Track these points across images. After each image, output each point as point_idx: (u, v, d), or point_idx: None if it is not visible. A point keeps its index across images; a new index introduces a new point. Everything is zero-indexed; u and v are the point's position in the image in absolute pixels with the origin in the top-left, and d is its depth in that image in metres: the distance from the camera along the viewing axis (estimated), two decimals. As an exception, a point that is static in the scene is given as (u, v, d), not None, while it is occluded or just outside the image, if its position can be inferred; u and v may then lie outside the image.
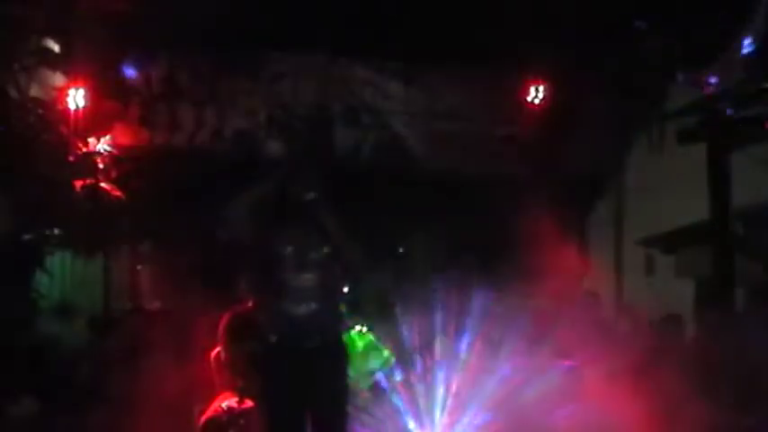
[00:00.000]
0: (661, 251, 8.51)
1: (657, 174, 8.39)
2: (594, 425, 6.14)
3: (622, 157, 9.03)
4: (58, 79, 6.97)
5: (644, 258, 8.69)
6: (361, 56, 8.64)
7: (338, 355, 4.91)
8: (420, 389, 7.03)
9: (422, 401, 6.99)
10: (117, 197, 6.83)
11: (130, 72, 8.09)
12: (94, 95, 7.51)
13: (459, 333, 7.36)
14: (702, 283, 7.90)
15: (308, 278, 4.80)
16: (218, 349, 6.99)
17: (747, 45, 6.60)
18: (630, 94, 8.31)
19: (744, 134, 7.36)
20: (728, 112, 7.31)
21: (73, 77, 7.16)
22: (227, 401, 6.69)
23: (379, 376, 6.67)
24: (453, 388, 6.99)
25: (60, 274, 7.71)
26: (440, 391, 6.99)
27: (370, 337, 6.75)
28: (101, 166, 6.85)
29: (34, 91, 6.66)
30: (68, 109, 7.16)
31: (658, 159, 8.41)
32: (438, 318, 7.50)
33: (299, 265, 4.80)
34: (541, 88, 8.41)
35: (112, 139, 7.22)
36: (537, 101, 8.45)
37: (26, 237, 6.49)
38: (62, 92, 7.12)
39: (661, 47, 7.44)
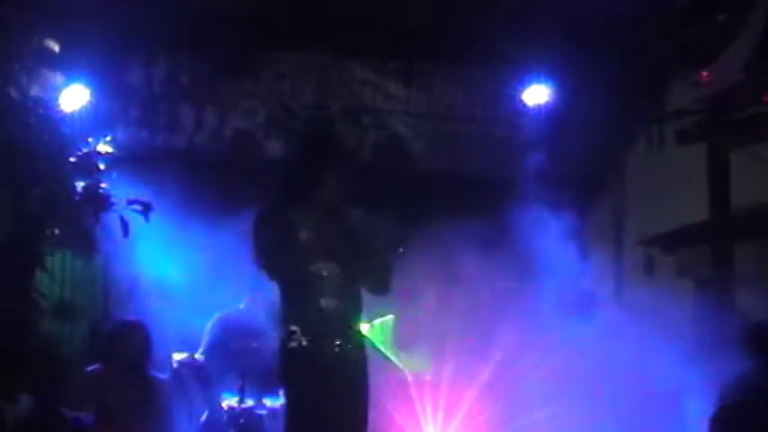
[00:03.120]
0: (661, 251, 8.51)
1: (657, 174, 8.40)
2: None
3: (622, 157, 9.03)
4: (59, 80, 6.96)
5: (643, 258, 8.69)
6: (361, 56, 8.65)
7: (361, 361, 4.68)
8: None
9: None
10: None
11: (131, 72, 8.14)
12: (94, 95, 7.54)
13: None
14: (702, 284, 7.90)
15: (336, 270, 4.56)
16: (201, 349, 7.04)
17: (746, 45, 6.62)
18: (630, 93, 8.32)
19: (744, 134, 7.37)
20: (728, 112, 7.33)
21: (73, 78, 7.16)
22: (227, 401, 6.72)
23: None
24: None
25: (60, 274, 7.71)
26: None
27: None
28: (102, 166, 6.84)
29: (35, 91, 6.65)
30: (68, 109, 7.17)
31: (658, 159, 8.42)
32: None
33: (329, 255, 4.56)
34: (541, 88, 8.42)
35: (113, 139, 7.21)
36: (536, 101, 8.46)
37: (26, 237, 6.47)
38: (62, 92, 7.12)
39: (661, 47, 7.46)
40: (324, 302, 4.53)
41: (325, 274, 4.52)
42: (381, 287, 4.77)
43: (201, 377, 6.83)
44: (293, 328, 4.52)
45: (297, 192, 4.62)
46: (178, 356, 7.02)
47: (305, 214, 4.58)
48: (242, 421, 6.63)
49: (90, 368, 6.48)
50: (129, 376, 6.42)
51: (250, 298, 7.25)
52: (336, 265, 4.56)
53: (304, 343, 4.49)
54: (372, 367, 4.75)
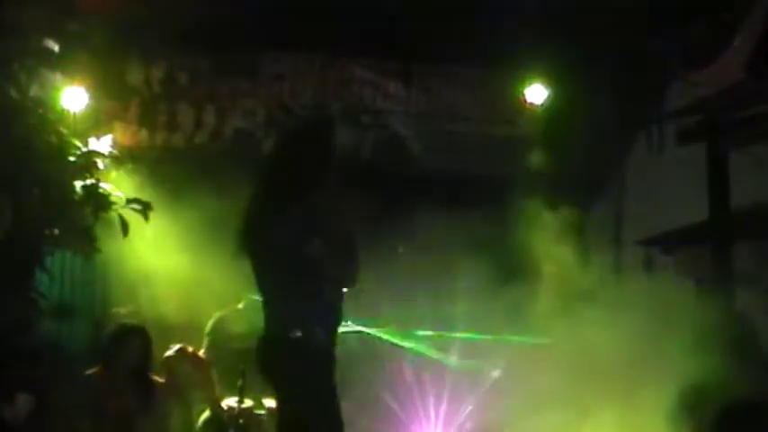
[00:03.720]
0: (660, 251, 8.51)
1: (657, 174, 8.40)
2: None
3: (622, 158, 9.03)
4: (59, 79, 6.96)
5: (643, 258, 8.69)
6: (361, 56, 8.64)
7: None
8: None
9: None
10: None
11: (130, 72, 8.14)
12: (94, 95, 7.54)
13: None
14: (702, 283, 7.90)
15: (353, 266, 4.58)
16: (202, 350, 7.04)
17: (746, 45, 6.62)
18: (630, 94, 8.32)
19: (743, 134, 7.37)
20: (728, 112, 7.33)
21: (73, 77, 7.16)
22: (227, 401, 6.72)
23: None
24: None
25: (60, 273, 7.70)
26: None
27: None
28: (101, 166, 6.84)
29: (34, 91, 6.65)
30: (68, 109, 7.16)
31: (658, 159, 8.42)
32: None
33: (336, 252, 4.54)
34: (541, 88, 8.41)
35: (113, 139, 7.22)
36: (536, 101, 8.45)
37: (26, 236, 6.47)
38: (62, 92, 7.12)
39: (661, 47, 7.45)
40: (335, 299, 4.58)
41: (336, 271, 4.55)
42: (352, 284, 4.71)
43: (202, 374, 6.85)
44: (317, 329, 4.52)
45: (300, 186, 4.58)
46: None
47: (312, 211, 4.55)
48: (241, 421, 6.64)
49: (89, 372, 6.43)
50: (129, 381, 6.39)
51: (248, 297, 7.28)
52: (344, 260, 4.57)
53: (326, 343, 4.53)
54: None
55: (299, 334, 4.49)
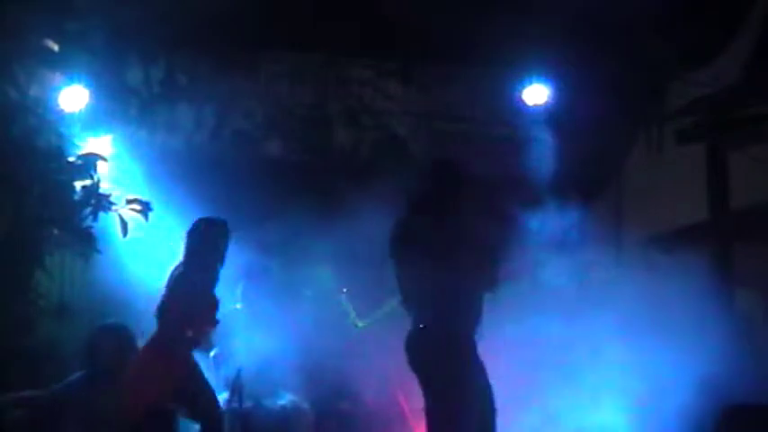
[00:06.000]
0: (660, 251, 8.51)
1: (657, 174, 8.40)
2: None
3: (621, 157, 9.03)
4: (58, 79, 6.96)
5: (643, 258, 8.68)
6: (360, 56, 8.64)
7: None
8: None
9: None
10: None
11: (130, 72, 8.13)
12: (94, 96, 7.53)
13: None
14: (701, 283, 7.90)
15: None
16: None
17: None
18: (630, 93, 8.32)
19: (743, 134, 7.38)
20: (727, 112, 7.34)
21: (73, 78, 7.16)
22: (227, 401, 6.71)
23: None
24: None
25: (60, 274, 7.70)
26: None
27: None
28: (100, 166, 6.84)
29: (34, 91, 6.65)
30: (68, 109, 7.16)
31: (658, 159, 8.41)
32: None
33: None
34: (541, 88, 8.40)
35: (112, 139, 7.22)
36: (536, 101, 8.44)
37: (25, 237, 6.48)
38: (62, 92, 7.12)
39: (661, 47, 7.46)
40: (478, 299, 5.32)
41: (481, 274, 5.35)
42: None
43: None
44: (463, 324, 5.20)
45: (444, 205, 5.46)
46: None
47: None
48: (241, 422, 6.64)
49: (74, 377, 6.25)
50: (106, 384, 6.02)
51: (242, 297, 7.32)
52: None
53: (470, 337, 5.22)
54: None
55: (447, 329, 5.09)
